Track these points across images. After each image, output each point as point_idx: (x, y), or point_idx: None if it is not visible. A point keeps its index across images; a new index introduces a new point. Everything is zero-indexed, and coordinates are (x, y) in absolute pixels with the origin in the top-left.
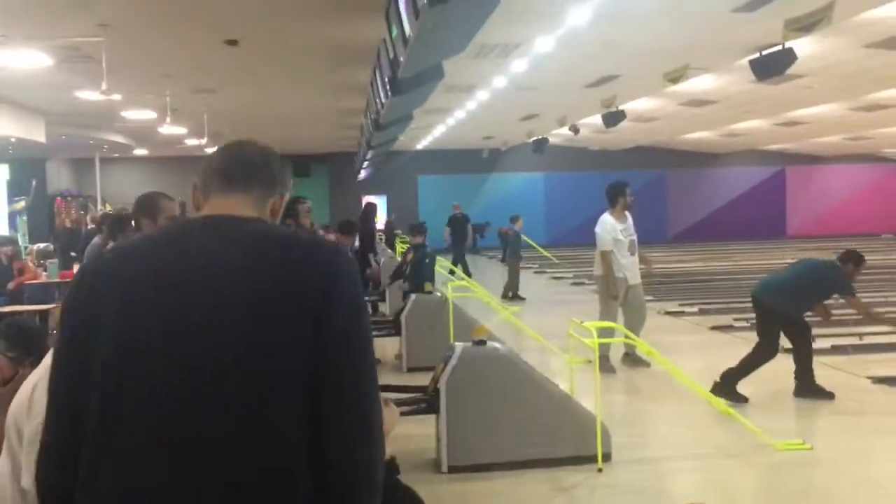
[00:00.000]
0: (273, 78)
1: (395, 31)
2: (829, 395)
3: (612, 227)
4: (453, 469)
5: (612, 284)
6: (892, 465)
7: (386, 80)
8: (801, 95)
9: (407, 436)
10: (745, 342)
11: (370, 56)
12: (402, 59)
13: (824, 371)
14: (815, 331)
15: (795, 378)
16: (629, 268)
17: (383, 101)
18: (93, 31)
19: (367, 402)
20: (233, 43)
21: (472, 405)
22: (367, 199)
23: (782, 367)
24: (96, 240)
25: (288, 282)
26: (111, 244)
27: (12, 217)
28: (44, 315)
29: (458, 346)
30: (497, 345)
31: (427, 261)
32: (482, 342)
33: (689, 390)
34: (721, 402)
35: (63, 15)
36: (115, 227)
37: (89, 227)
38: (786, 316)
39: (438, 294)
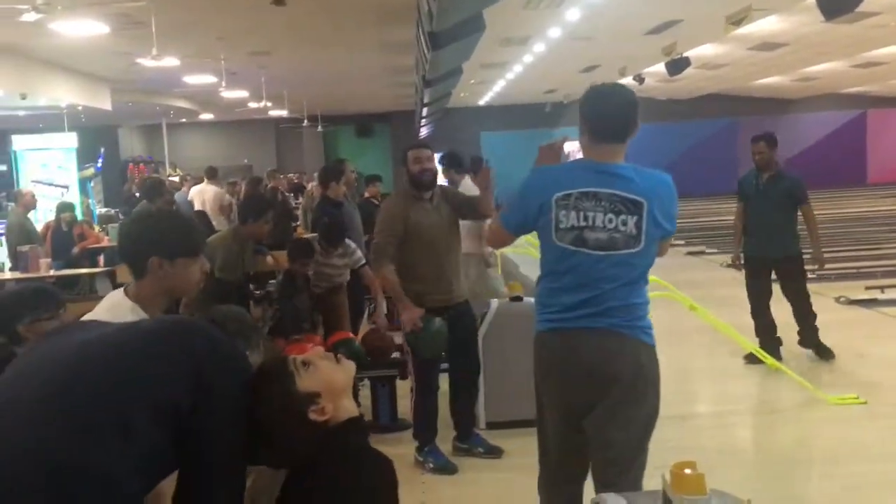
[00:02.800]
0: (323, 38)
1: None
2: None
3: None
4: (491, 425)
5: None
6: None
7: (426, 34)
8: (878, 35)
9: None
10: (810, 294)
11: (413, 11)
12: (434, 11)
13: (891, 323)
14: (884, 280)
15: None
16: None
17: (427, 56)
18: None
19: None
20: (279, 3)
21: (508, 361)
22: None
23: (834, 319)
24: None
25: None
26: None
27: (83, 183)
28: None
29: (494, 302)
30: (534, 301)
31: None
32: (518, 298)
33: (733, 344)
34: (768, 357)
35: None
36: (151, 193)
37: (135, 194)
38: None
39: (489, 250)
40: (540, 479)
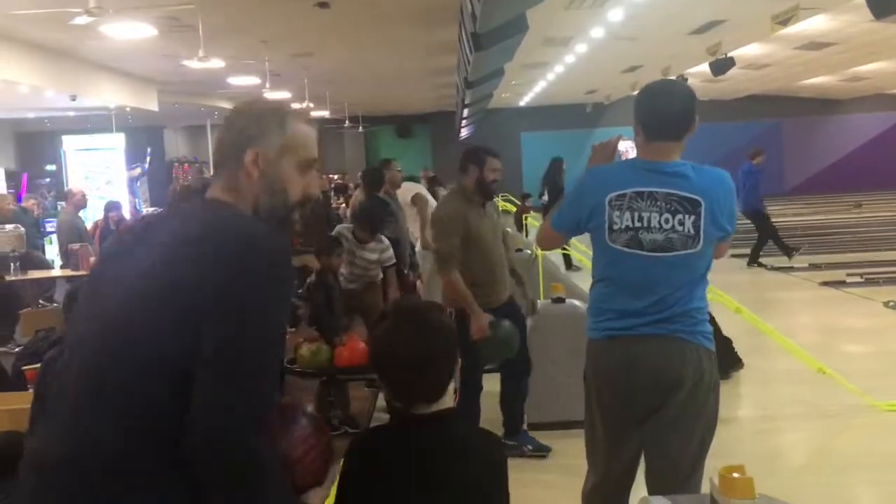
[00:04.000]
0: (366, 40)
1: None
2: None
3: None
4: (533, 426)
5: None
6: None
7: (468, 35)
8: None
9: (489, 392)
10: (857, 298)
11: (456, 13)
12: (478, 12)
13: None
14: None
15: None
16: None
17: (469, 57)
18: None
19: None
20: (324, 5)
21: (550, 362)
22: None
23: (883, 324)
24: None
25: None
26: None
27: (131, 183)
28: None
29: (537, 303)
30: (576, 302)
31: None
32: (560, 299)
33: (779, 348)
34: (814, 360)
35: None
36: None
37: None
38: None
39: (528, 252)
40: (585, 488)
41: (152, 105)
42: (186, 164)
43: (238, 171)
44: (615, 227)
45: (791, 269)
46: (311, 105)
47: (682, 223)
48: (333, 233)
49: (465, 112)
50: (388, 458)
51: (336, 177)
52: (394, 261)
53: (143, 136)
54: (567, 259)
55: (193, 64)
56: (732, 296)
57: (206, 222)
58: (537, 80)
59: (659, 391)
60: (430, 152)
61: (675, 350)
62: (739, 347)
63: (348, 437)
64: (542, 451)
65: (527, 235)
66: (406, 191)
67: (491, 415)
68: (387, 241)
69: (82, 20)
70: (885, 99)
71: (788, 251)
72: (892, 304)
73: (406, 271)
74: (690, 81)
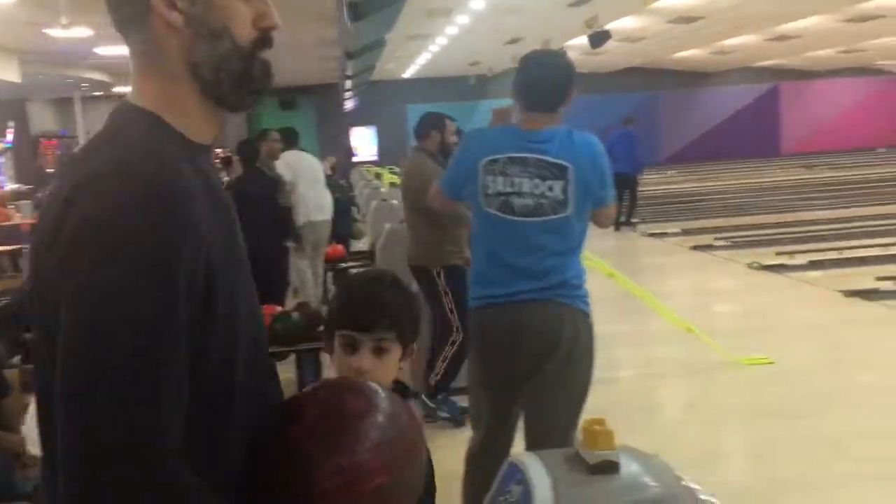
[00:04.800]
0: None
1: None
2: None
3: None
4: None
5: None
6: (857, 377)
7: (346, 4)
8: (791, 8)
9: None
10: (724, 261)
11: None
12: None
13: (800, 287)
14: (794, 246)
15: None
16: None
17: (349, 27)
18: None
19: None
20: None
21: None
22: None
23: (746, 284)
24: None
25: None
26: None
27: None
28: (15, 255)
29: None
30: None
31: None
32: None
33: (651, 310)
34: (683, 321)
35: None
36: None
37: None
38: None
39: None
40: (469, 451)
41: (14, 76)
42: (54, 139)
43: (152, 30)
44: (489, 191)
45: (664, 234)
46: None
47: (551, 188)
48: None
49: (349, 83)
50: None
51: (219, 151)
52: None
53: (5, 109)
54: None
55: (56, 32)
56: (606, 261)
57: (86, 151)
58: (421, 52)
59: (539, 354)
60: (314, 124)
61: (554, 312)
62: (614, 311)
63: None
64: (457, 420)
65: None
66: (286, 166)
67: None
68: None
69: None
70: (750, 71)
71: (622, 224)
72: (755, 265)
73: (288, 244)
74: (570, 54)
